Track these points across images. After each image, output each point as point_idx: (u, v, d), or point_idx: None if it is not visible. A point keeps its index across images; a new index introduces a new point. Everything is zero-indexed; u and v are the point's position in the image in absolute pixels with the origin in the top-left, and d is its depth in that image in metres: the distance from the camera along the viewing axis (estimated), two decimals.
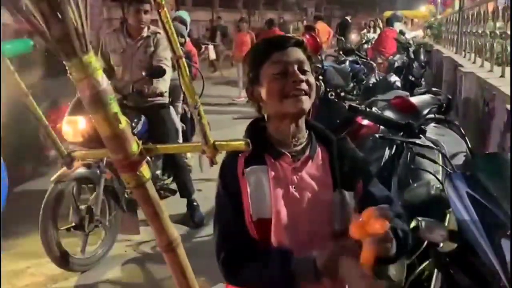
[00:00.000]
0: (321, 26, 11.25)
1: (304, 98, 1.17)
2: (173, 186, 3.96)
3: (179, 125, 3.97)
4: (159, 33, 3.48)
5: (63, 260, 2.89)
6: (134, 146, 0.90)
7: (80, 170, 3.00)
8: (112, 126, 0.82)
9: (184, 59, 0.84)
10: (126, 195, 3.27)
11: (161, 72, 3.28)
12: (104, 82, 0.80)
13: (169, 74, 3.42)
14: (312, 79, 1.20)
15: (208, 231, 3.58)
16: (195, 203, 3.77)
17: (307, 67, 1.20)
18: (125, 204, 3.23)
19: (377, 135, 1.86)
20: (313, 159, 1.22)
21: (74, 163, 1.02)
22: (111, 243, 3.25)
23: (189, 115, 4.24)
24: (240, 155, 1.20)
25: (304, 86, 1.17)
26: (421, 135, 1.72)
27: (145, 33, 3.47)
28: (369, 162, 1.29)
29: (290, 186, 1.19)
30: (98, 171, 3.05)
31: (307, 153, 1.22)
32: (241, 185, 1.18)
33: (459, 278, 1.36)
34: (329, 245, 1.09)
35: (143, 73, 3.31)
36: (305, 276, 1.09)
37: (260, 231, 1.17)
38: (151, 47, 3.46)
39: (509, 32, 3.91)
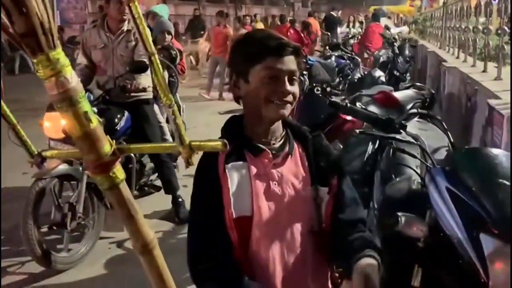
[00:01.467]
0: (313, 22, 11.28)
1: (288, 106, 1.19)
2: (158, 182, 3.94)
3: (163, 121, 3.93)
4: None
5: (45, 259, 2.84)
6: (107, 146, 0.87)
7: (61, 167, 2.95)
8: (83, 125, 0.79)
9: (157, 56, 0.82)
10: None
11: (143, 67, 3.23)
12: (73, 79, 0.76)
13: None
14: (297, 90, 1.21)
15: None
16: (180, 199, 3.74)
17: (296, 75, 1.20)
18: (108, 201, 3.19)
19: (357, 131, 1.85)
20: (292, 155, 1.23)
21: (47, 162, 0.99)
22: (95, 241, 3.21)
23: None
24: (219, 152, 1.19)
25: (289, 97, 1.18)
26: (401, 130, 1.72)
27: (125, 27, 3.42)
28: (341, 158, 1.31)
29: (271, 182, 1.19)
30: (80, 168, 3.01)
31: (286, 149, 1.23)
32: (222, 182, 1.17)
33: (439, 272, 1.36)
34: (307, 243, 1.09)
35: (127, 68, 3.27)
36: None
37: (239, 228, 1.16)
38: (132, 41, 3.41)
39: (491, 27, 3.95)
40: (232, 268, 1.15)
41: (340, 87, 7.56)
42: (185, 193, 4.28)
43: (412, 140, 1.63)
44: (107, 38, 3.41)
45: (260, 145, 1.21)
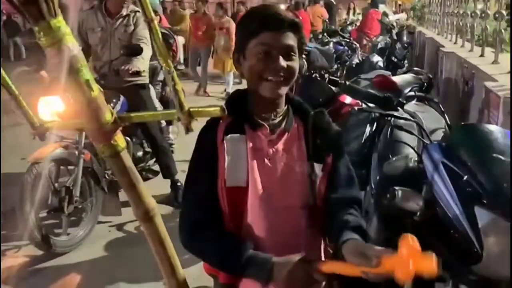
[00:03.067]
0: (319, 9, 10.98)
1: (282, 84, 1.16)
2: (156, 167, 3.94)
3: (159, 106, 3.92)
4: (139, 11, 3.40)
5: (44, 243, 2.87)
6: (108, 114, 0.88)
7: (57, 151, 2.95)
8: (84, 93, 0.81)
9: (156, 22, 0.82)
10: (106, 176, 3.24)
11: (138, 50, 3.21)
12: (75, 48, 0.77)
13: (148, 53, 3.35)
14: (295, 64, 1.18)
15: None
16: (178, 183, 3.73)
17: (294, 52, 1.18)
18: (105, 186, 3.20)
19: (356, 108, 1.86)
20: (289, 132, 1.22)
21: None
22: (93, 224, 3.23)
23: (169, 98, 4.17)
24: (220, 122, 1.19)
25: (283, 73, 1.15)
26: (399, 108, 1.73)
27: (124, 11, 3.40)
28: (341, 136, 1.28)
29: (265, 158, 1.19)
30: (76, 152, 3.01)
31: (283, 126, 1.22)
32: (218, 151, 1.18)
33: (434, 246, 1.38)
34: (292, 256, 1.09)
35: (121, 52, 3.25)
36: (256, 275, 1.10)
37: (232, 199, 1.17)
38: (131, 25, 3.39)
39: (489, 12, 3.94)
40: (227, 233, 1.17)
41: (338, 73, 7.55)
42: (183, 177, 4.28)
43: (409, 117, 1.64)
44: (105, 22, 3.39)
45: (259, 120, 1.21)
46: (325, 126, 1.24)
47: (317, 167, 1.19)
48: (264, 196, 1.18)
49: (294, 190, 1.20)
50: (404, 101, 1.76)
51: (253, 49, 1.16)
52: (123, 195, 3.17)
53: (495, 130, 1.39)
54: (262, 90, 1.17)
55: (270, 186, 1.18)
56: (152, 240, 1.06)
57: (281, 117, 1.23)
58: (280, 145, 1.21)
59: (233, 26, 7.86)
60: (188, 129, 0.92)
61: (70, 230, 3.11)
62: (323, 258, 1.26)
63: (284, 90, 1.18)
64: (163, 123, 4.04)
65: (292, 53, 1.17)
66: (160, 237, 1.05)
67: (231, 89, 7.63)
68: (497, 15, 3.36)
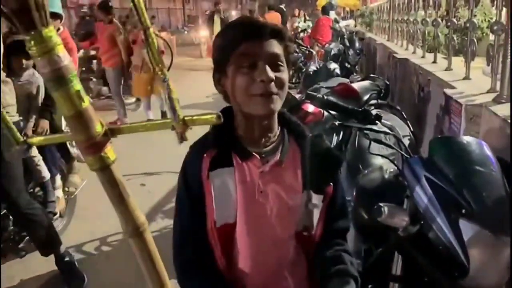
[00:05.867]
0: (274, 16, 10.94)
1: (274, 98, 1.04)
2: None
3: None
4: None
5: None
6: (98, 126, 0.85)
7: None
8: (75, 104, 0.76)
9: (152, 30, 0.76)
10: None
11: None
12: (65, 58, 0.73)
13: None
14: (285, 75, 1.06)
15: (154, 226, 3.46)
16: (67, 258, 2.83)
17: (281, 61, 1.06)
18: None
19: (336, 123, 1.84)
20: (283, 162, 1.11)
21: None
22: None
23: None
24: (205, 155, 1.07)
25: (273, 87, 1.02)
26: (377, 121, 1.73)
27: None
28: (342, 162, 1.18)
29: (257, 192, 1.09)
30: None
31: (277, 156, 1.11)
32: (205, 188, 1.07)
33: (419, 259, 1.38)
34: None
35: None
36: None
37: (223, 236, 1.09)
38: None
39: (440, 20, 4.09)
40: (217, 276, 1.10)
41: (293, 80, 7.62)
42: (144, 191, 4.16)
43: (388, 131, 1.63)
44: None
45: (249, 148, 1.10)
46: (324, 153, 1.11)
47: (316, 198, 1.09)
48: (253, 233, 1.10)
49: (286, 223, 1.11)
50: (381, 114, 1.75)
51: (235, 63, 1.04)
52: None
53: (472, 141, 1.40)
54: (252, 108, 1.04)
55: (260, 222, 1.09)
56: (141, 256, 1.00)
57: (274, 143, 1.12)
58: (273, 178, 1.09)
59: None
60: (182, 139, 0.87)
61: None
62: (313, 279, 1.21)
63: (277, 105, 1.05)
64: (46, 175, 3.14)
65: (280, 63, 1.05)
66: (150, 253, 0.99)
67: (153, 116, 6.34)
68: (449, 23, 3.48)
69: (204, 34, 14.54)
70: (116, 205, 0.91)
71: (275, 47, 1.06)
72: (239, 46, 1.04)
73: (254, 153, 1.10)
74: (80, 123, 0.76)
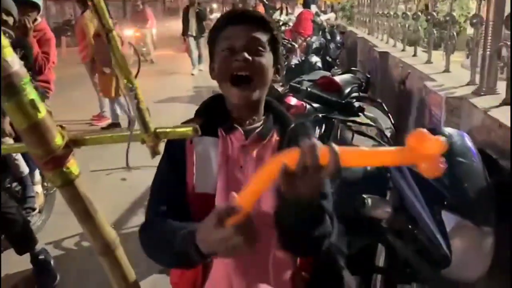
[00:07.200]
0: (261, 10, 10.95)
1: (251, 84, 1.06)
2: None
3: None
4: None
5: None
6: (58, 138, 0.76)
7: None
8: (29, 115, 0.67)
9: (115, 33, 0.72)
10: None
11: None
12: (15, 63, 0.65)
13: None
14: (264, 60, 1.08)
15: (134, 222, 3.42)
16: (41, 256, 2.74)
17: (263, 46, 1.08)
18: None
19: (320, 115, 1.84)
20: (264, 139, 1.13)
21: None
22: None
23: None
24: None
25: (248, 68, 1.05)
26: (360, 113, 1.73)
27: None
28: None
29: (237, 167, 1.11)
30: None
31: (261, 134, 1.14)
32: (187, 153, 1.09)
33: (402, 250, 1.39)
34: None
35: None
36: (188, 254, 0.91)
37: (201, 205, 1.08)
38: None
39: (420, 14, 4.13)
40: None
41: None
42: (125, 186, 4.10)
43: (371, 123, 1.64)
44: None
45: (235, 124, 1.12)
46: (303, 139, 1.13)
47: None
48: None
49: (264, 204, 1.10)
50: (364, 107, 1.76)
51: (218, 47, 1.10)
52: None
53: (453, 133, 1.42)
54: (231, 95, 1.09)
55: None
56: (113, 275, 0.94)
57: (259, 124, 1.15)
58: (254, 154, 1.12)
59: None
60: (155, 153, 0.82)
61: None
62: (296, 279, 1.19)
63: (255, 94, 1.08)
64: (24, 170, 3.07)
65: (260, 48, 1.08)
66: (123, 271, 0.94)
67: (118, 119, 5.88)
68: (429, 17, 3.52)
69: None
70: (83, 223, 0.84)
71: (258, 33, 1.09)
72: (223, 31, 1.09)
73: (238, 128, 1.12)
74: (36, 136, 0.68)
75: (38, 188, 3.32)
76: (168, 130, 0.80)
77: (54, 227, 3.33)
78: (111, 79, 5.54)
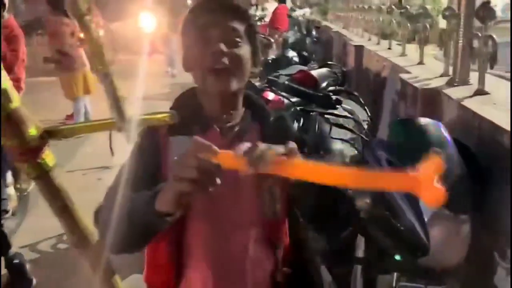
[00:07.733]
0: None
1: (229, 75, 1.01)
2: None
3: None
4: None
5: None
6: (32, 129, 0.74)
7: None
8: (1, 106, 0.66)
9: (88, 18, 0.69)
10: None
11: None
12: None
13: None
14: (242, 52, 1.03)
15: None
16: (16, 261, 2.64)
17: (240, 37, 1.03)
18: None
19: (298, 108, 1.84)
20: (243, 138, 1.05)
21: None
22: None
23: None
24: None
25: (225, 61, 1.00)
26: (337, 106, 1.74)
27: None
28: (305, 144, 1.13)
29: None
30: None
31: (238, 133, 1.08)
32: (162, 154, 1.03)
33: (381, 241, 1.40)
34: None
35: None
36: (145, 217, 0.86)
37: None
38: None
39: (394, 7, 4.17)
40: None
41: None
42: (101, 186, 4.02)
43: (349, 115, 1.64)
44: None
45: (210, 122, 1.06)
46: (284, 134, 1.04)
47: None
48: (207, 214, 1.04)
49: (244, 203, 1.06)
50: (341, 99, 1.76)
51: (192, 37, 1.03)
52: None
53: (429, 123, 1.43)
54: (207, 85, 1.02)
55: (216, 204, 1.02)
56: (93, 268, 0.92)
57: (237, 121, 1.09)
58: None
59: (65, 29, 5.10)
60: (132, 140, 0.81)
61: None
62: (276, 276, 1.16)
63: (233, 84, 1.02)
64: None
65: (237, 39, 1.03)
66: (102, 264, 0.92)
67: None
68: (403, 10, 3.56)
69: None
70: (59, 216, 0.81)
71: (234, 22, 1.04)
72: (197, 20, 1.04)
73: (214, 126, 1.07)
74: (10, 127, 0.67)
75: (11, 190, 3.23)
76: (145, 116, 0.79)
77: (29, 230, 3.25)
78: (70, 80, 5.37)
